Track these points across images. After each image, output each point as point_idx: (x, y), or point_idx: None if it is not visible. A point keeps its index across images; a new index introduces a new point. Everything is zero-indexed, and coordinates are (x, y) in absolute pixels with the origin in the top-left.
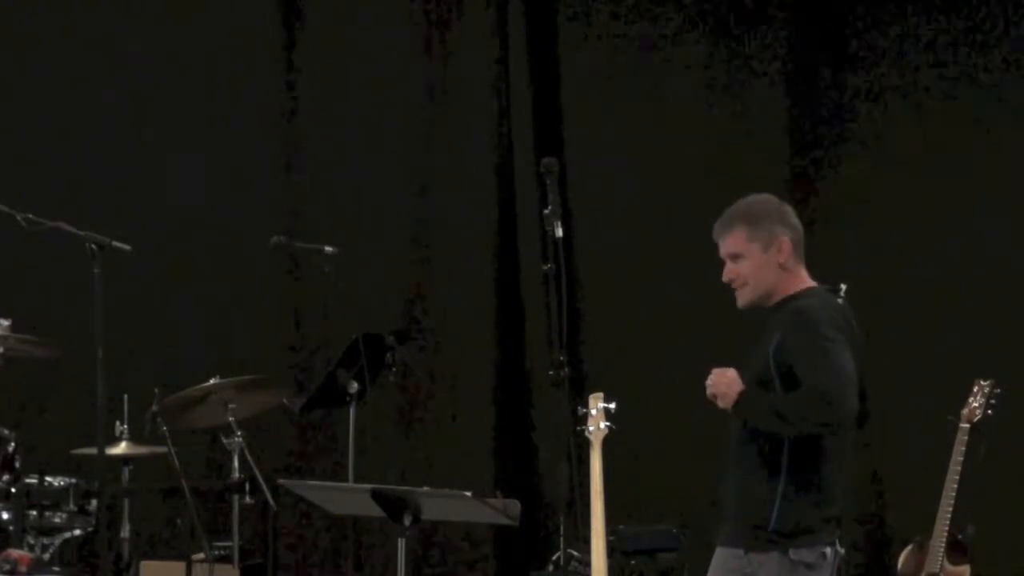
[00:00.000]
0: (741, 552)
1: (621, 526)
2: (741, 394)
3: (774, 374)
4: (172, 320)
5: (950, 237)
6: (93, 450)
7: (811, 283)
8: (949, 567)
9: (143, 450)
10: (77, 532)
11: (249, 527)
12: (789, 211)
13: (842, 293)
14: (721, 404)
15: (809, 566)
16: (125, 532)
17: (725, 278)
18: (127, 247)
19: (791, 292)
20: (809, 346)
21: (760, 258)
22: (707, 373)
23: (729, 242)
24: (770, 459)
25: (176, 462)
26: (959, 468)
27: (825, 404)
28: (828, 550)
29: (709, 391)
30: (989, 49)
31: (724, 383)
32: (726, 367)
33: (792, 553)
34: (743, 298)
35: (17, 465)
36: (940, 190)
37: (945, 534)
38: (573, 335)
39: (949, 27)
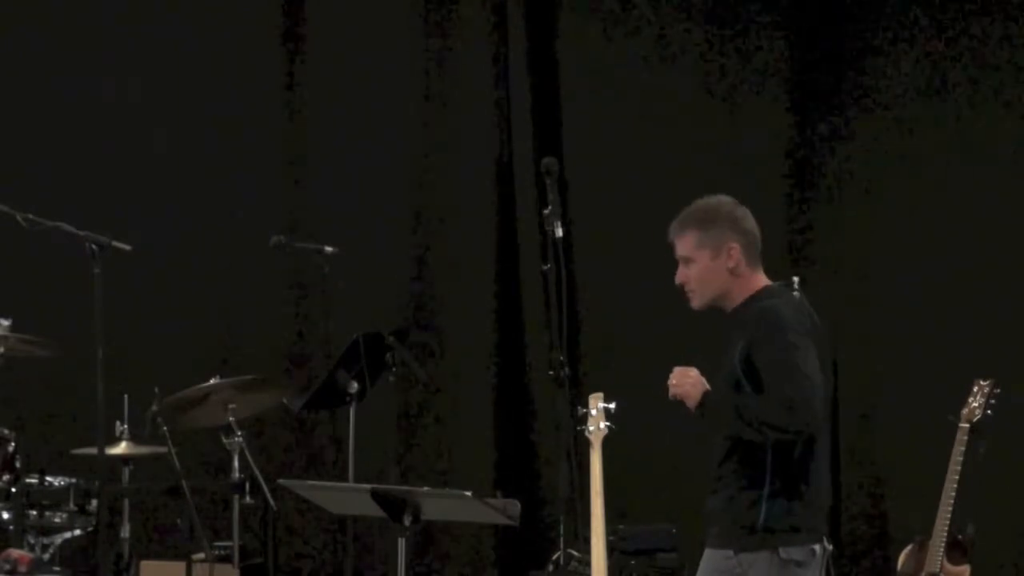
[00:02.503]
0: (731, 553)
1: (621, 526)
2: (705, 395)
3: (743, 378)
4: (172, 320)
5: (950, 237)
6: (93, 450)
7: (767, 282)
8: (949, 567)
9: (143, 450)
10: (77, 532)
11: (249, 527)
12: (742, 215)
13: (796, 286)
14: (688, 404)
15: (799, 564)
16: (125, 532)
17: (677, 281)
18: (127, 247)
19: (749, 294)
20: (776, 353)
21: (708, 264)
22: (704, 372)
23: (681, 246)
24: (755, 462)
25: (176, 462)
26: (959, 468)
27: (791, 414)
28: (817, 547)
29: (672, 392)
30: (991, 47)
31: (688, 383)
32: (688, 367)
33: (782, 551)
34: (694, 302)
35: (17, 465)
36: (941, 189)
37: (945, 534)
38: (573, 335)
39: (950, 24)
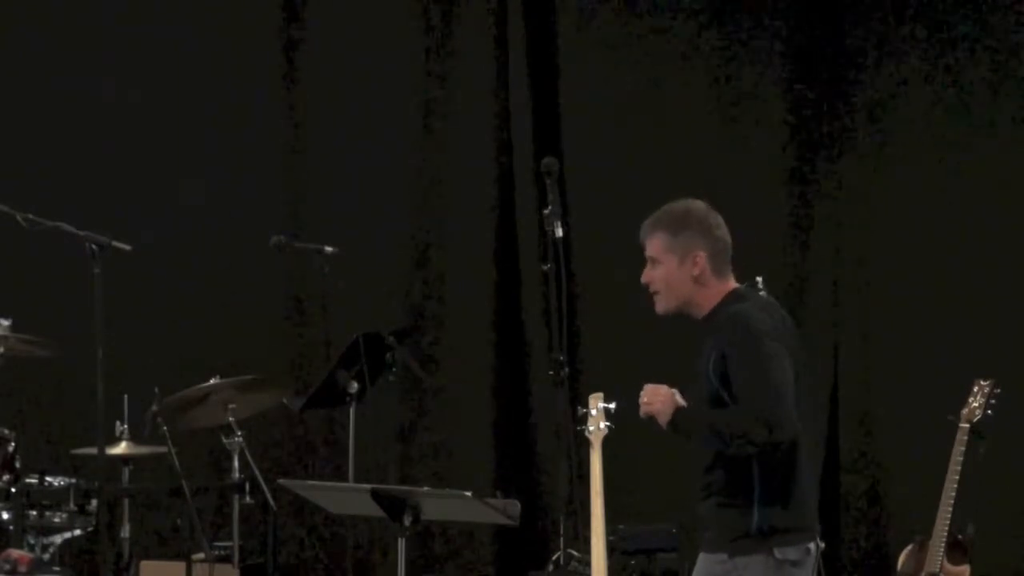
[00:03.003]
0: (725, 556)
1: (621, 526)
2: (676, 413)
3: (718, 386)
4: (172, 320)
5: (950, 237)
6: (93, 450)
7: (734, 286)
8: (949, 567)
9: (143, 450)
10: (77, 532)
11: (249, 527)
12: (715, 223)
13: (761, 286)
14: (659, 421)
15: (795, 563)
16: (125, 532)
17: (642, 281)
18: (127, 247)
19: (717, 301)
20: (749, 364)
21: (674, 269)
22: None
23: (649, 247)
24: (741, 470)
25: (176, 462)
26: (959, 468)
27: (764, 426)
28: (811, 545)
29: (643, 410)
30: (990, 47)
31: (659, 400)
32: (659, 384)
33: (777, 552)
34: (659, 305)
35: (17, 465)
36: (940, 189)
37: (945, 534)
38: (573, 335)
39: (949, 23)
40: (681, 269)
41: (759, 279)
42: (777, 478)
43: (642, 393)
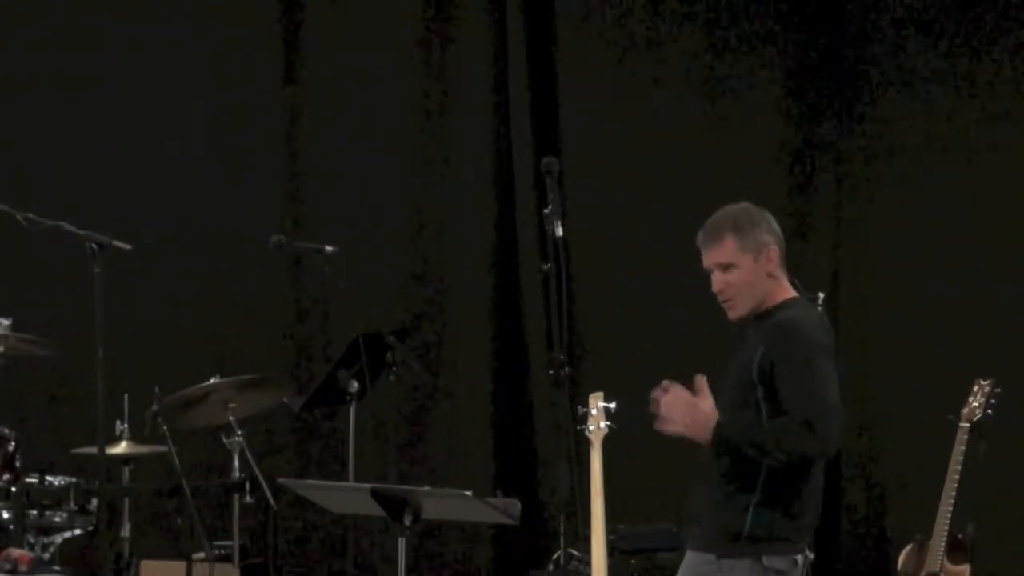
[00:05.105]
0: (713, 557)
1: (621, 526)
2: (717, 430)
3: (758, 386)
4: (172, 320)
5: (950, 236)
6: (93, 450)
7: (793, 293)
8: (949, 567)
9: (143, 450)
10: (77, 531)
11: (249, 527)
12: (771, 218)
13: (820, 302)
14: (687, 433)
15: (781, 572)
16: (125, 532)
17: (716, 289)
18: (127, 246)
19: (776, 302)
20: (798, 371)
21: (752, 268)
22: (704, 372)
23: (719, 253)
24: (747, 468)
25: (176, 462)
26: (959, 468)
27: (810, 438)
28: (799, 557)
29: (671, 429)
30: (990, 48)
31: (699, 416)
32: (677, 391)
33: (765, 560)
34: (736, 310)
35: (17, 464)
36: (940, 189)
37: (945, 534)
38: (572, 335)
39: (949, 24)
40: (758, 266)
41: (820, 295)
42: (781, 486)
43: (664, 403)
